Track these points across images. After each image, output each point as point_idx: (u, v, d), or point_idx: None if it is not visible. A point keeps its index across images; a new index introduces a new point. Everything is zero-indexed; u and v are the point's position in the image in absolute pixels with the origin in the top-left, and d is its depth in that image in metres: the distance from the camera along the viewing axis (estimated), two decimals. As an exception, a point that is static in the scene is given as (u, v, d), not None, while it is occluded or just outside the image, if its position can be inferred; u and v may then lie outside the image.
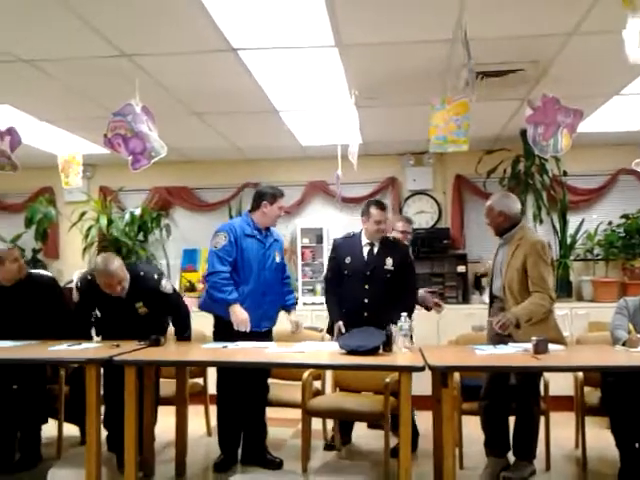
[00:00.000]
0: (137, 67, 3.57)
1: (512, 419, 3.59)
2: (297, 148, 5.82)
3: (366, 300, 3.97)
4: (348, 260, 4.08)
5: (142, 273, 3.75)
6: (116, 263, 3.58)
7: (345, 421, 4.17)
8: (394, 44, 3.35)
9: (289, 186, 6.32)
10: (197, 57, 3.48)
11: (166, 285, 3.79)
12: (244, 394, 3.82)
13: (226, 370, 3.76)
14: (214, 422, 4.24)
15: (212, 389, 4.22)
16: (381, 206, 4.03)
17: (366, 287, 3.99)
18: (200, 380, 4.46)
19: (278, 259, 3.93)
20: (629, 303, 3.63)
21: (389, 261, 4.02)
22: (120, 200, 6.53)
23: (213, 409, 4.24)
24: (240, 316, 3.64)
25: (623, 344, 3.35)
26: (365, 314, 3.91)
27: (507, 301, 3.55)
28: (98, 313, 3.81)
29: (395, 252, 4.07)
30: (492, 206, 3.69)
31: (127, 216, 6.18)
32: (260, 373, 3.82)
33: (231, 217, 6.28)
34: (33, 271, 4.19)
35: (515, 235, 3.62)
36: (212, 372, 4.15)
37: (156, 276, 3.78)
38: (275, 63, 3.58)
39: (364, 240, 4.09)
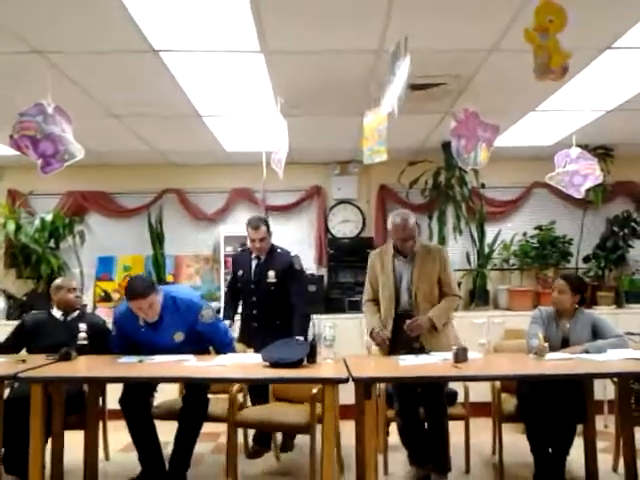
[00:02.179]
0: (50, 65, 3.35)
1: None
2: (221, 154, 5.68)
3: (254, 311, 4.20)
4: (240, 273, 4.31)
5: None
6: None
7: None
8: (320, 52, 3.31)
9: (213, 192, 6.23)
10: (115, 57, 3.31)
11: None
12: (181, 410, 3.62)
13: (133, 385, 3.53)
14: (114, 445, 4.20)
15: (110, 406, 4.02)
16: (253, 225, 4.13)
17: (254, 299, 4.21)
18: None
19: (180, 338, 3.61)
20: (543, 313, 3.77)
21: (271, 273, 4.17)
22: (30, 205, 6.13)
23: (113, 429, 4.13)
24: None
25: (535, 353, 3.46)
26: (255, 324, 4.18)
27: (419, 312, 3.58)
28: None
29: (278, 264, 4.20)
30: (407, 220, 3.62)
31: (37, 222, 5.81)
32: (195, 388, 3.61)
33: (150, 224, 6.06)
34: None
35: (414, 246, 3.66)
36: (111, 388, 3.88)
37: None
38: (198, 66, 3.46)
39: (254, 254, 4.24)
